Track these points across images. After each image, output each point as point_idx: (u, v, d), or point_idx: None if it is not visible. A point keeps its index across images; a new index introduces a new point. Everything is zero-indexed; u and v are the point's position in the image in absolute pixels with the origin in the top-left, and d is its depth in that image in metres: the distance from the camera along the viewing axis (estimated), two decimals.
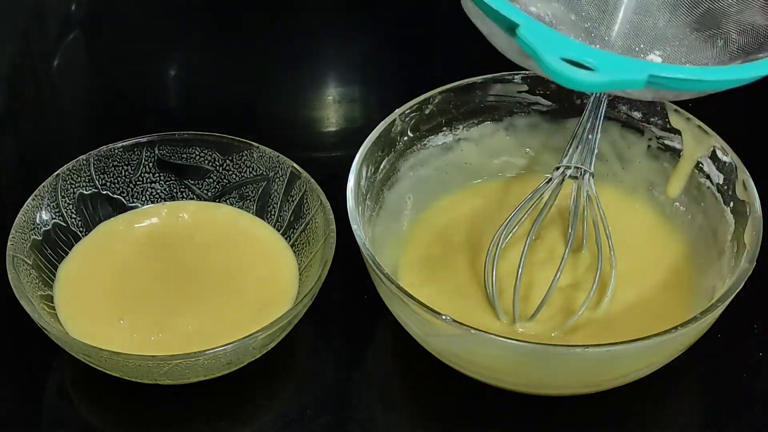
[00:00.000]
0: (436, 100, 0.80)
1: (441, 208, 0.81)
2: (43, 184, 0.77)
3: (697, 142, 0.77)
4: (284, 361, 0.75)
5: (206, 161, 0.81)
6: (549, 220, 0.78)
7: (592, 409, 0.72)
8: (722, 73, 0.61)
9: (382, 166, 0.78)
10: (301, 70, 0.98)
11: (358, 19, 1.03)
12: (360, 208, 0.74)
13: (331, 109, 0.97)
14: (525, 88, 0.80)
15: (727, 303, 0.68)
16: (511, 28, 0.58)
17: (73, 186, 0.79)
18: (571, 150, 0.76)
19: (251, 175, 0.81)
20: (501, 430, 0.72)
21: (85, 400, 0.74)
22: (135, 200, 0.81)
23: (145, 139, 0.81)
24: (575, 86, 0.56)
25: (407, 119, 0.79)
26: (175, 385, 0.72)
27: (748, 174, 0.74)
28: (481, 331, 0.66)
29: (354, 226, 0.71)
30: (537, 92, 0.81)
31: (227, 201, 0.82)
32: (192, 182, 0.82)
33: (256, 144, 0.81)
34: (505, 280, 0.74)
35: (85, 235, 0.79)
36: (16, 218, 0.75)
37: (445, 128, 0.81)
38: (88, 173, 0.79)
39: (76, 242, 0.79)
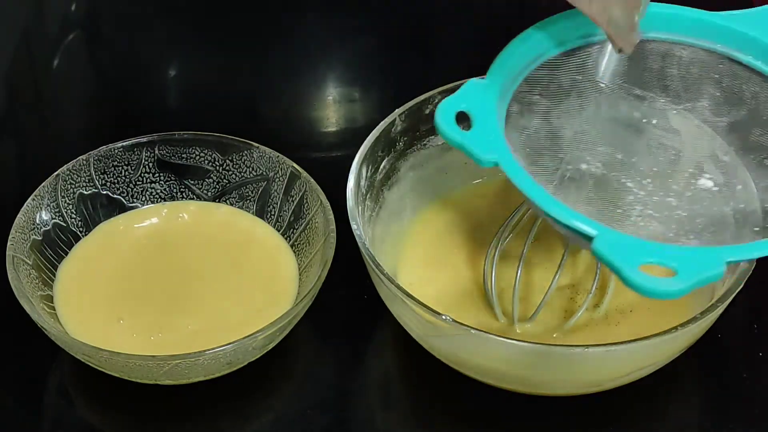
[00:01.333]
0: (436, 100, 0.79)
1: (441, 208, 0.81)
2: (43, 184, 0.77)
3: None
4: (284, 361, 0.75)
5: (206, 161, 0.81)
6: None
7: (592, 409, 0.72)
8: None
9: (382, 166, 0.78)
10: (301, 70, 0.98)
11: (358, 19, 1.03)
12: (360, 208, 0.74)
13: (331, 109, 0.97)
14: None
15: (727, 303, 0.68)
16: (587, 237, 0.57)
17: (73, 186, 0.79)
18: None
19: (251, 175, 0.81)
20: (501, 430, 0.72)
21: (85, 400, 0.74)
22: (135, 200, 0.81)
23: (145, 139, 0.81)
24: (660, 297, 0.55)
25: (407, 119, 0.79)
26: (175, 385, 0.72)
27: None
28: (481, 331, 0.66)
29: (354, 226, 0.71)
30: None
31: (227, 201, 0.82)
32: (192, 182, 0.82)
33: (256, 144, 0.81)
34: (504, 282, 0.74)
35: (85, 235, 0.79)
36: (16, 218, 0.75)
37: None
38: (88, 173, 0.79)
39: (76, 242, 0.79)
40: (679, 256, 0.56)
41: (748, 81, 0.68)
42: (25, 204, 0.76)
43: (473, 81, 0.63)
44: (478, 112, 0.61)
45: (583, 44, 0.68)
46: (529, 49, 0.66)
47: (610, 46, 0.67)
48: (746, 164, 0.67)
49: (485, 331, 0.66)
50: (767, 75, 0.67)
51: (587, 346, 0.65)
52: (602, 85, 0.68)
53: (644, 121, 0.69)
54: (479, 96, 0.62)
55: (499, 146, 0.60)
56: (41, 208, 0.77)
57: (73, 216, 0.79)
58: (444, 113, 0.61)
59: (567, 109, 0.68)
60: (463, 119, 0.61)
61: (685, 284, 0.55)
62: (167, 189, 0.82)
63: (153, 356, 0.68)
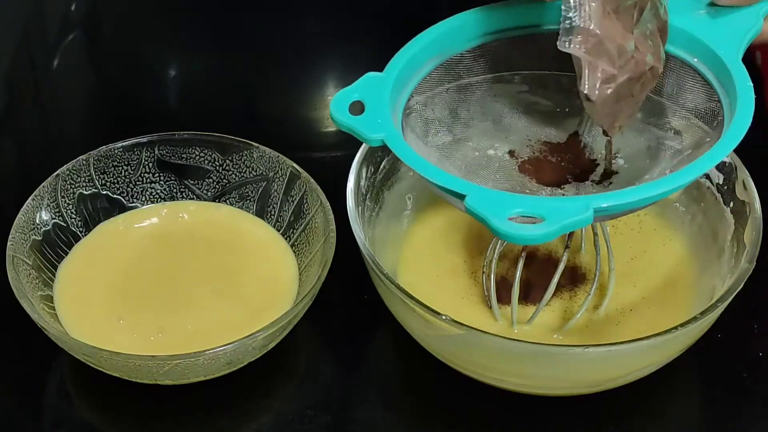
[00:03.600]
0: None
1: (441, 208, 0.81)
2: (43, 184, 0.77)
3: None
4: (284, 361, 0.75)
5: (206, 161, 0.81)
6: None
7: (592, 409, 0.72)
8: (661, 186, 0.62)
9: (382, 166, 0.78)
10: (301, 70, 0.98)
11: (358, 19, 1.03)
12: (360, 208, 0.74)
13: None
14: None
15: (727, 303, 0.68)
16: (460, 196, 0.61)
17: (73, 186, 0.79)
18: None
19: (251, 175, 0.81)
20: (501, 430, 0.72)
21: (85, 400, 0.74)
22: (135, 200, 0.81)
23: (145, 139, 0.81)
24: (527, 243, 0.59)
25: None
26: (175, 385, 0.72)
27: (748, 174, 0.74)
28: (481, 331, 0.66)
29: (354, 227, 0.71)
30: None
31: (227, 201, 0.82)
32: (192, 182, 0.82)
33: (256, 144, 0.81)
34: (503, 284, 0.74)
35: (85, 235, 0.79)
36: (16, 218, 0.75)
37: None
38: (88, 173, 0.79)
39: (76, 242, 0.79)
40: (545, 206, 0.60)
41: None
42: (25, 204, 0.76)
43: (369, 74, 0.68)
44: (370, 100, 0.66)
45: (488, 41, 0.72)
46: (430, 47, 0.70)
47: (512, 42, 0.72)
48: (653, 135, 0.71)
49: (485, 331, 0.66)
50: (671, 53, 0.70)
51: (587, 346, 0.65)
52: (505, 77, 0.73)
53: (555, 109, 0.73)
54: (373, 87, 0.67)
55: (387, 127, 0.65)
56: (41, 208, 0.77)
57: (73, 216, 0.79)
58: (338, 102, 0.66)
59: (470, 101, 0.72)
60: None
61: (551, 228, 0.58)
62: (167, 189, 0.82)
63: (153, 356, 0.68)
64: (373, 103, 0.66)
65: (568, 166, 0.71)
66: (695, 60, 0.69)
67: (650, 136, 0.70)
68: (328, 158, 0.91)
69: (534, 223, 0.59)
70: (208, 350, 0.68)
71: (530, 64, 0.73)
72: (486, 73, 0.72)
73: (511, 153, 0.71)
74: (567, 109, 0.72)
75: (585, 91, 0.65)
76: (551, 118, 0.73)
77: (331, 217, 0.75)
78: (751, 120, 0.64)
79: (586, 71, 0.65)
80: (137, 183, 0.81)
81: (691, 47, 0.69)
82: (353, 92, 0.67)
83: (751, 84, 0.65)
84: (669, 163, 0.69)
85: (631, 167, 0.70)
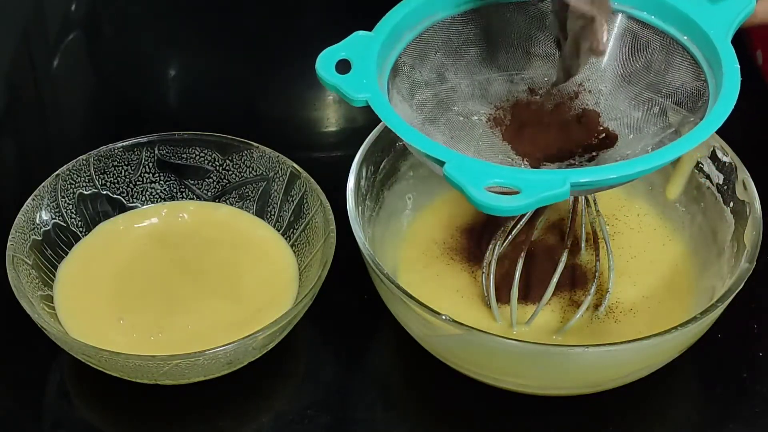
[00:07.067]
0: None
1: (441, 207, 0.81)
2: (43, 184, 0.77)
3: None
4: (284, 361, 0.75)
5: (206, 161, 0.81)
6: (547, 223, 0.78)
7: (592, 409, 0.72)
8: (640, 164, 0.62)
9: (382, 166, 0.78)
10: (301, 70, 0.98)
11: (357, 19, 1.03)
12: (360, 208, 0.74)
13: (331, 109, 0.97)
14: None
15: (727, 303, 0.68)
16: (440, 162, 0.61)
17: (73, 186, 0.79)
18: None
19: (251, 175, 0.81)
20: (501, 430, 0.73)
21: (85, 400, 0.74)
22: (135, 200, 0.81)
23: (145, 139, 0.81)
24: (503, 213, 0.58)
25: None
26: (175, 385, 0.72)
27: (748, 174, 0.74)
28: (481, 331, 0.66)
29: (354, 226, 0.71)
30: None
31: (227, 201, 0.82)
32: (192, 182, 0.82)
33: (256, 144, 0.81)
34: (502, 284, 0.74)
35: (85, 235, 0.79)
36: (16, 218, 0.75)
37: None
38: (88, 173, 0.79)
39: (76, 242, 0.79)
40: (523, 178, 0.59)
41: (643, 35, 0.70)
42: (25, 204, 0.76)
43: (358, 33, 0.67)
44: (357, 59, 0.66)
45: (479, 5, 0.71)
46: (421, 8, 0.70)
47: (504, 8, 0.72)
48: (638, 111, 0.70)
49: (485, 331, 0.66)
50: (662, 30, 0.70)
51: (587, 346, 0.65)
52: (495, 42, 0.72)
53: (543, 78, 0.72)
54: (361, 46, 0.66)
55: (372, 87, 0.64)
56: (41, 208, 0.77)
57: (73, 216, 0.79)
58: (324, 59, 0.66)
59: (458, 65, 0.72)
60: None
61: (527, 201, 0.58)
62: (167, 189, 0.82)
63: (153, 356, 0.68)
64: (360, 63, 0.65)
65: (552, 139, 0.70)
66: (685, 38, 0.69)
67: (634, 112, 0.70)
68: (328, 158, 0.91)
69: (511, 194, 0.58)
70: (208, 350, 0.68)
71: (520, 31, 0.72)
72: (475, 38, 0.72)
73: (496, 121, 0.71)
74: (555, 79, 0.72)
75: None
76: (538, 87, 0.72)
77: (331, 217, 0.75)
78: (735, 101, 0.64)
79: None
80: (137, 183, 0.81)
81: (682, 25, 0.69)
82: (341, 50, 0.66)
83: (738, 66, 0.65)
84: (652, 140, 0.69)
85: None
